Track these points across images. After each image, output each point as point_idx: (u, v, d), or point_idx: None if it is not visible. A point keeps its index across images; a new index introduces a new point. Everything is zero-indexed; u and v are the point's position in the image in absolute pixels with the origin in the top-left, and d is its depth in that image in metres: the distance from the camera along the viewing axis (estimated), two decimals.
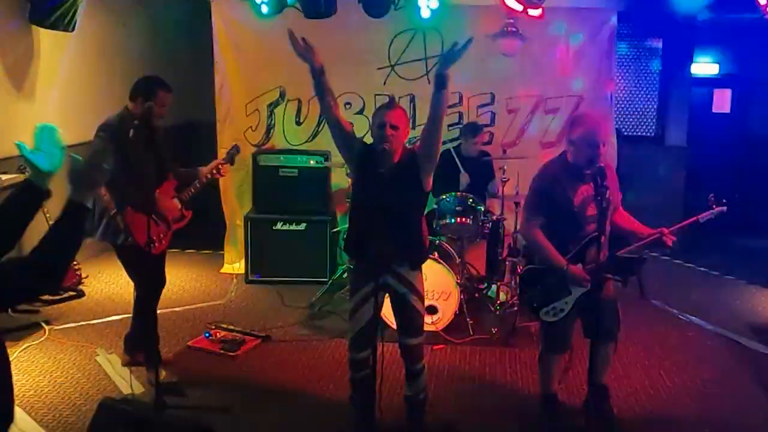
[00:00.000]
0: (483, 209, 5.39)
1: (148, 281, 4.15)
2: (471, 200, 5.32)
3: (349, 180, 3.74)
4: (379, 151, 3.37)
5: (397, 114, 3.40)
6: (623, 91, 7.69)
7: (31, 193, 2.23)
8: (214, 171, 4.42)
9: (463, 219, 5.27)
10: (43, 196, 2.23)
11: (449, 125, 6.30)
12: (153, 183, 4.07)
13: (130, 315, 4.39)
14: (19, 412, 3.85)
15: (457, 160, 5.69)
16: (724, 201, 3.54)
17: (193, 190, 4.34)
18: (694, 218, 3.57)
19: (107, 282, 6.21)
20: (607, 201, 3.47)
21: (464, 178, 5.60)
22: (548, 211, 3.60)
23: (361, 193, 3.55)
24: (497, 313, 5.35)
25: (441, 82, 3.27)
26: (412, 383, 3.69)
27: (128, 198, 3.92)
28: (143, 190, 3.97)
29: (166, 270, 4.42)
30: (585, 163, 3.53)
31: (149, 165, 4.00)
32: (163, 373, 4.17)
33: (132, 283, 4.29)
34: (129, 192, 3.91)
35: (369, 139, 3.59)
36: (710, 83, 8.93)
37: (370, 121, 3.49)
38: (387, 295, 3.59)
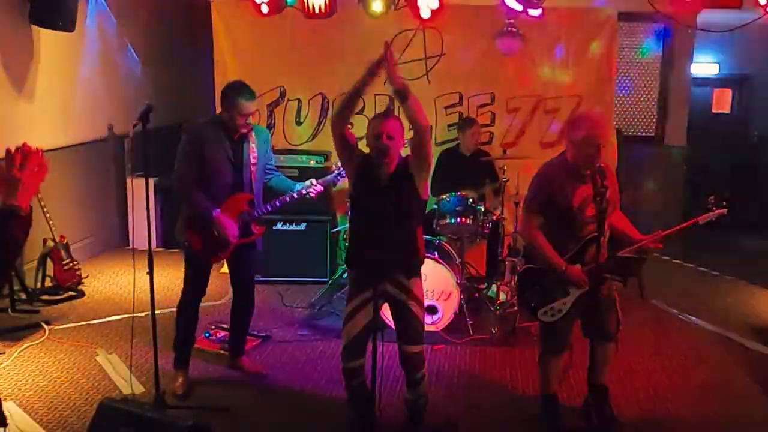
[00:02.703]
0: (483, 209, 5.39)
1: (196, 285, 4.18)
2: (471, 200, 5.32)
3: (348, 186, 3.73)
4: (376, 160, 3.38)
5: (393, 124, 3.40)
6: (623, 91, 7.70)
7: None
8: (304, 192, 4.19)
9: (463, 219, 5.27)
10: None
11: (449, 125, 6.30)
12: (223, 191, 3.98)
13: (131, 315, 4.39)
14: (19, 412, 3.85)
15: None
16: (724, 203, 3.52)
17: (270, 208, 4.15)
18: (693, 220, 3.55)
19: (107, 282, 6.21)
20: (607, 201, 3.47)
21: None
22: (547, 211, 3.58)
23: (360, 202, 3.56)
24: (497, 313, 5.35)
25: (400, 95, 3.26)
26: (412, 389, 3.68)
27: (190, 204, 3.93)
28: (210, 199, 3.93)
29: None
30: (585, 163, 3.52)
31: (223, 170, 3.96)
32: (178, 380, 4.15)
33: (133, 283, 4.30)
34: (192, 199, 3.90)
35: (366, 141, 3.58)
36: (710, 83, 8.94)
37: (367, 128, 3.48)
38: (385, 303, 3.59)
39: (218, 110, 6.35)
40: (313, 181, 4.22)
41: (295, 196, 4.19)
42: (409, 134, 3.43)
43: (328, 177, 4.30)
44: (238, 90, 3.93)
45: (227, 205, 3.99)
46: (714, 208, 3.52)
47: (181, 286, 4.26)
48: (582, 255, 3.55)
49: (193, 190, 3.91)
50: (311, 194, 4.20)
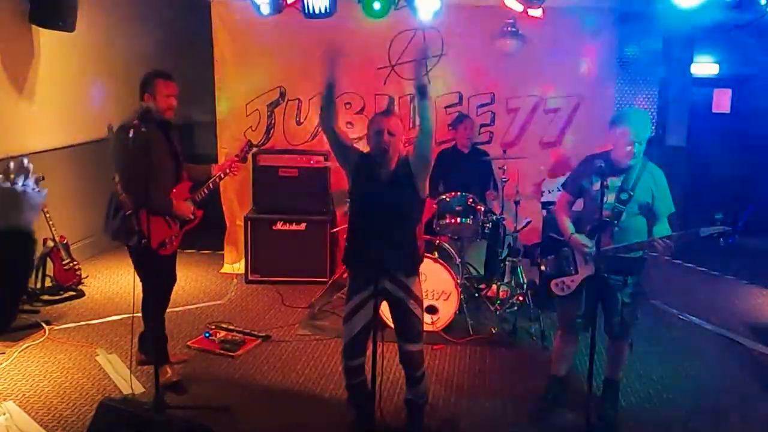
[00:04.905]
0: (483, 209, 5.39)
1: (158, 282, 4.12)
2: (471, 200, 5.32)
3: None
4: (376, 158, 3.38)
5: (393, 121, 3.41)
6: (623, 91, 7.68)
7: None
8: (227, 170, 4.32)
9: (463, 219, 5.26)
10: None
11: (449, 125, 6.30)
12: (171, 184, 4.05)
13: (131, 315, 4.38)
14: (19, 412, 3.85)
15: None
16: (731, 221, 3.52)
17: (206, 191, 4.26)
18: (695, 231, 3.52)
19: (107, 282, 6.21)
20: (629, 195, 3.61)
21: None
22: (575, 191, 3.91)
23: (359, 200, 3.55)
24: (497, 313, 5.35)
25: (423, 92, 3.34)
26: (412, 388, 3.68)
27: (146, 200, 3.79)
28: (159, 192, 3.93)
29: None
30: (621, 159, 3.65)
31: (164, 165, 3.98)
32: (168, 372, 4.16)
33: (132, 283, 4.27)
34: (147, 194, 3.77)
35: (366, 139, 3.58)
36: (710, 83, 8.92)
37: (367, 126, 3.49)
38: (385, 301, 3.59)
39: (217, 109, 6.48)
40: (234, 159, 4.37)
41: (223, 175, 4.32)
42: (408, 134, 3.44)
43: (245, 148, 4.46)
44: (154, 73, 3.97)
45: (175, 196, 4.07)
46: (720, 224, 3.49)
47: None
48: (593, 235, 3.68)
49: (151, 189, 3.82)
50: (235, 173, 4.38)
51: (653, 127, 3.74)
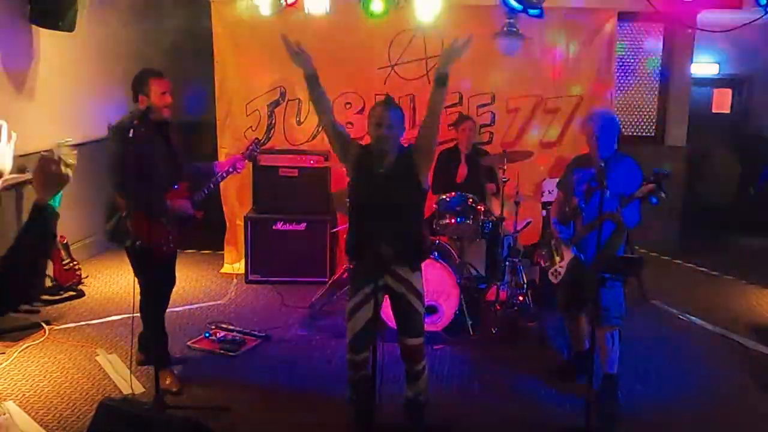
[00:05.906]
0: (483, 209, 5.38)
1: (156, 284, 4.09)
2: (471, 200, 5.31)
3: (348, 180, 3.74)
4: (376, 151, 3.38)
5: (394, 113, 3.41)
6: (623, 91, 7.68)
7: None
8: (230, 169, 4.27)
9: (463, 219, 5.26)
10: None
11: (449, 125, 6.30)
12: (165, 184, 3.98)
13: (130, 315, 4.38)
14: (19, 412, 3.85)
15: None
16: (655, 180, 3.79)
17: (206, 191, 4.20)
18: (632, 194, 3.82)
19: (107, 282, 6.21)
20: (600, 185, 3.72)
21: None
22: (563, 188, 4.29)
23: (360, 193, 3.55)
24: (497, 313, 5.35)
25: (442, 80, 3.35)
26: (412, 384, 3.69)
27: (139, 202, 3.79)
28: (155, 193, 3.89)
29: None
30: (593, 155, 4.00)
31: (161, 165, 3.93)
32: (167, 380, 4.15)
33: (132, 283, 4.28)
34: (140, 196, 3.77)
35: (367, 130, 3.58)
36: (710, 83, 8.93)
37: (368, 117, 3.49)
38: (387, 295, 3.60)
39: (217, 109, 6.48)
40: (239, 157, 4.34)
41: (225, 174, 4.28)
42: (408, 133, 3.44)
43: (250, 147, 4.42)
44: (145, 73, 3.94)
45: (174, 193, 4.03)
46: (651, 180, 3.77)
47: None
48: (570, 222, 4.18)
49: (141, 189, 3.80)
50: (239, 171, 4.34)
51: (620, 126, 4.08)
